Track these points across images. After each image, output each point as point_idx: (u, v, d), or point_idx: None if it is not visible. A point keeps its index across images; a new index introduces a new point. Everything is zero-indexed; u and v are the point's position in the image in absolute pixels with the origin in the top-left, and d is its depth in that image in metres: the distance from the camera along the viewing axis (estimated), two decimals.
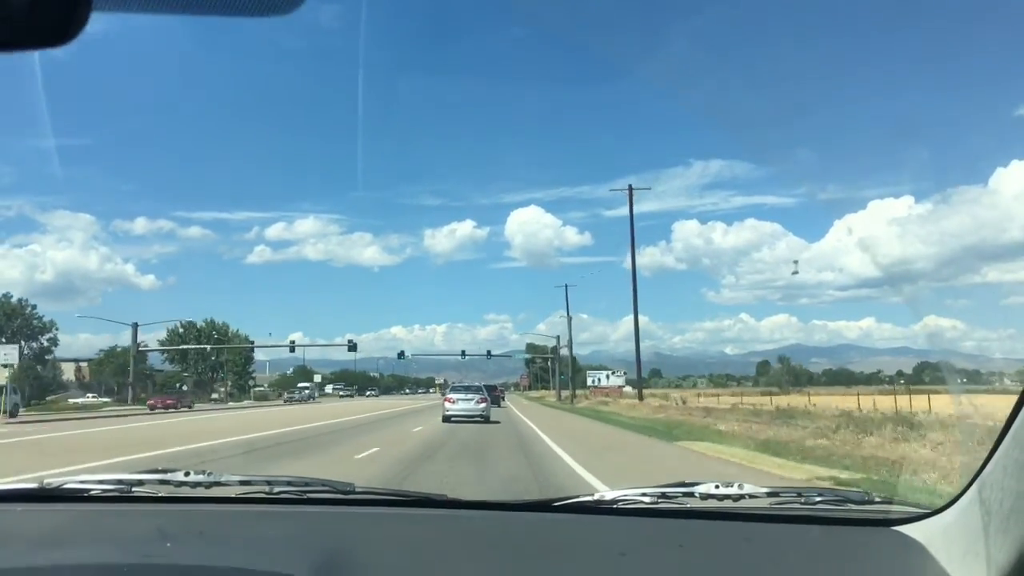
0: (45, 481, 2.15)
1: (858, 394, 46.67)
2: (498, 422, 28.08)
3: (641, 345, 49.67)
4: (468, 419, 27.79)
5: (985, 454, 1.44)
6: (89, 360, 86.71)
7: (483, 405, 29.03)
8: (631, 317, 49.88)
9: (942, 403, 23.29)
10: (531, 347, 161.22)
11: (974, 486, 1.47)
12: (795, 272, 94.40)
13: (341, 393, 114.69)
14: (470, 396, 29.51)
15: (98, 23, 1.07)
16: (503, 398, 57.57)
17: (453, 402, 29.06)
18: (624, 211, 49.54)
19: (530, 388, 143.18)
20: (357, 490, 2.18)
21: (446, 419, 27.74)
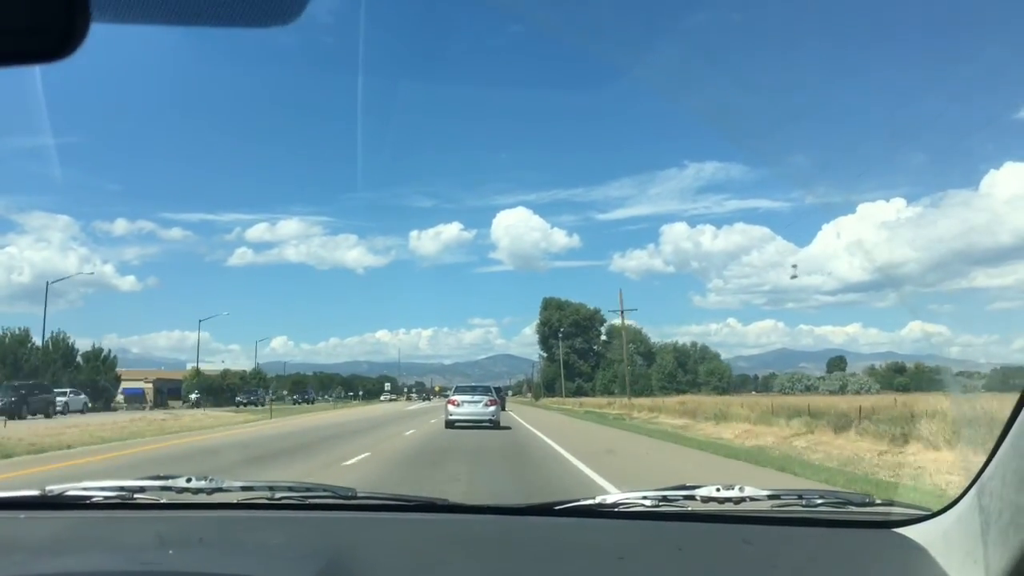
0: (47, 488, 2.14)
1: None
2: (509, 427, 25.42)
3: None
4: (475, 424, 24.55)
5: (984, 457, 1.45)
6: None
7: (492, 408, 25.19)
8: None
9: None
10: (548, 303, 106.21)
11: (973, 490, 1.47)
12: (794, 276, 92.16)
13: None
14: (477, 398, 25.60)
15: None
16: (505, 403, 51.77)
17: (458, 404, 25.23)
18: (616, 213, 49.05)
19: (535, 392, 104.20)
20: (359, 495, 2.19)
21: (449, 424, 24.58)
